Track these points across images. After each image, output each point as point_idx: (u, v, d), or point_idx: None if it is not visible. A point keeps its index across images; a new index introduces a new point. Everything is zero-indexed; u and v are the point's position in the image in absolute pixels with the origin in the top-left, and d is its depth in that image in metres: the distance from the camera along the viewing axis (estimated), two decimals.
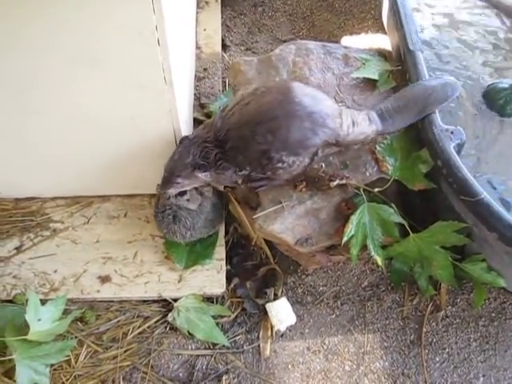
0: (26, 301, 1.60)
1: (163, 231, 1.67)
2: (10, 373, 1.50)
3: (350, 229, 1.54)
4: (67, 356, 1.52)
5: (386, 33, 2.07)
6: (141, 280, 1.67)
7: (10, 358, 1.42)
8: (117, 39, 1.27)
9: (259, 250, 1.76)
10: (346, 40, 2.22)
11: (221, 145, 1.46)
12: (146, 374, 1.56)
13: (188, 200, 1.61)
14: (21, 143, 1.60)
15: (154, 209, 1.68)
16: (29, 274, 1.69)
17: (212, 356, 1.60)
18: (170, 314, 1.62)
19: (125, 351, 1.60)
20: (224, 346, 1.61)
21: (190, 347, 1.62)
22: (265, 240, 1.73)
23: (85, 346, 1.59)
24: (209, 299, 1.67)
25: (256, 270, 1.73)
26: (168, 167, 1.52)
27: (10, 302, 1.63)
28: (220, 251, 1.71)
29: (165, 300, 1.66)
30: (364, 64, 1.72)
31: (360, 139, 1.56)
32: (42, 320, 1.47)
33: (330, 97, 1.59)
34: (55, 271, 1.69)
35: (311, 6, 2.35)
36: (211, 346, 1.62)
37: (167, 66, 1.35)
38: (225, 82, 2.09)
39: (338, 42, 2.21)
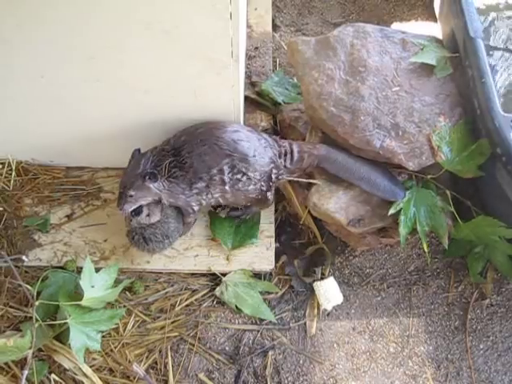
0: (77, 268, 1.63)
1: (143, 251, 1.65)
2: (60, 337, 1.52)
3: (398, 203, 1.57)
4: (116, 324, 1.54)
5: (435, 21, 2.05)
6: (190, 253, 1.69)
7: (63, 321, 1.44)
8: (190, 10, 1.27)
9: (307, 229, 1.77)
10: (396, 26, 2.21)
11: (176, 152, 1.50)
12: (193, 345, 1.59)
13: (148, 215, 1.59)
14: (76, 112, 1.61)
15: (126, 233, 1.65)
16: (79, 242, 1.71)
17: (258, 331, 1.62)
18: (217, 288, 1.65)
19: (172, 322, 1.62)
20: (270, 322, 1.63)
21: (236, 322, 1.64)
22: (313, 219, 1.74)
23: (133, 316, 1.62)
24: (256, 275, 1.68)
25: (304, 249, 1.75)
26: (121, 182, 1.55)
27: (61, 268, 1.65)
28: (269, 229, 1.73)
29: (213, 274, 1.67)
30: (422, 49, 1.71)
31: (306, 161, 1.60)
32: (96, 287, 1.48)
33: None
34: (105, 240, 1.72)
35: None
36: (258, 322, 1.64)
37: (236, 41, 1.36)
38: (275, 62, 2.08)
39: (388, 27, 2.19)
